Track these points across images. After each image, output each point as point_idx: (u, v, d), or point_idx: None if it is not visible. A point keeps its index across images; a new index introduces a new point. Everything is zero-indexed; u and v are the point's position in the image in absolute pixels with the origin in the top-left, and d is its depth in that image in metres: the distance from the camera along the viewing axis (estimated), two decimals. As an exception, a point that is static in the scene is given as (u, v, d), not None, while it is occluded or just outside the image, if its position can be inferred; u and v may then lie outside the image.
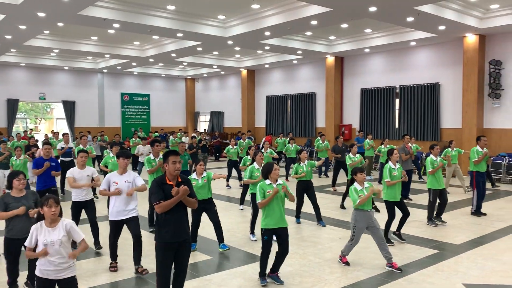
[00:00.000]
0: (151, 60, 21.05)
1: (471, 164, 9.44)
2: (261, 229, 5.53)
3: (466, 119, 15.39)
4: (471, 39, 15.10)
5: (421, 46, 17.07)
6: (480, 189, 9.37)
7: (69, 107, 24.75)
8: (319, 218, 8.75)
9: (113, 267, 6.10)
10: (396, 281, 5.65)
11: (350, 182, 6.29)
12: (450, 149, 11.77)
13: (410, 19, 12.89)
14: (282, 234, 5.52)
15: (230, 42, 16.47)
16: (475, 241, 7.49)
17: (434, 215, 8.67)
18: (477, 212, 9.40)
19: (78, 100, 25.07)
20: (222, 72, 26.29)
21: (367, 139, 14.88)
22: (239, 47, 17.98)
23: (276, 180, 5.57)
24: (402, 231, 7.59)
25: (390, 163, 7.40)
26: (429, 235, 7.87)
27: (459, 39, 15.57)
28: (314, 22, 13.37)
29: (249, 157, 10.09)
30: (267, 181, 5.55)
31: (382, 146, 13.57)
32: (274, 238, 5.53)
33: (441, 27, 13.96)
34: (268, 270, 5.62)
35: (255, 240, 7.52)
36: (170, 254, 4.49)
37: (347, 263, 6.27)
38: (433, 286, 5.46)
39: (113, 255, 6.15)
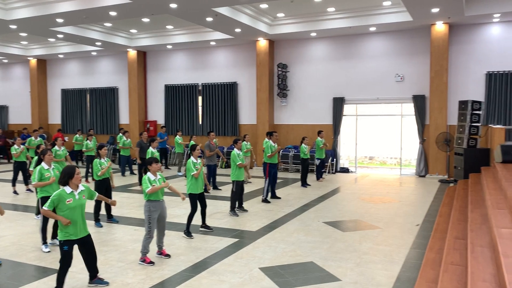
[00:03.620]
0: None
1: (265, 157, 10.45)
2: (59, 241, 4.96)
3: (259, 115, 16.94)
4: (262, 43, 16.65)
5: (221, 46, 18.02)
6: (271, 179, 10.46)
7: None
8: (109, 215, 8.63)
9: None
10: (200, 274, 5.77)
11: (144, 172, 6.34)
12: (245, 142, 12.76)
13: (209, 19, 13.42)
14: (86, 243, 5.14)
15: (13, 27, 14.30)
16: (269, 226, 8.26)
17: (236, 206, 9.26)
18: (266, 200, 10.41)
19: None
20: (5, 61, 22.74)
21: (178, 136, 14.90)
22: (25, 33, 15.79)
23: (78, 186, 5.07)
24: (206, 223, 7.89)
25: (192, 157, 7.68)
26: (230, 224, 8.34)
27: (253, 42, 17.00)
28: (113, 13, 12.68)
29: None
30: (67, 189, 4.96)
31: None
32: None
33: (237, 30, 14.97)
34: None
35: (49, 252, 6.70)
36: None
37: (151, 263, 6.12)
38: (233, 274, 5.77)
39: None
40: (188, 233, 7.52)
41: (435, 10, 12.34)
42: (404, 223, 8.45)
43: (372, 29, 14.89)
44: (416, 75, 14.92)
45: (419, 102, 14.79)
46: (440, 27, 13.98)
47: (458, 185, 10.84)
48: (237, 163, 8.95)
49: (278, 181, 11.75)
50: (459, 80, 14.33)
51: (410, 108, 15.20)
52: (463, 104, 12.92)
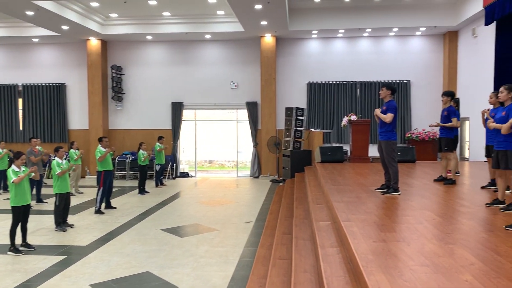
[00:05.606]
0: None
1: (98, 164, 9.79)
2: None
3: (92, 120, 15.85)
4: (94, 43, 15.63)
5: (46, 44, 16.33)
6: (106, 188, 9.87)
7: None
8: None
9: None
10: (18, 301, 5.07)
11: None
12: (73, 150, 11.82)
13: (29, 13, 12.01)
14: None
15: None
16: (102, 239, 7.73)
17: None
18: (99, 211, 9.75)
19: None
20: None
21: None
22: None
23: None
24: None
25: (13, 166, 6.97)
26: (57, 241, 7.57)
27: (83, 42, 15.83)
28: None
29: None
30: None
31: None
32: None
33: (65, 27, 13.75)
34: None
35: None
36: None
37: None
38: (59, 296, 5.22)
39: None
40: (15, 249, 6.80)
41: (263, 23, 13.30)
42: (239, 223, 8.85)
43: (208, 36, 15.31)
44: (249, 83, 15.85)
45: (252, 108, 15.74)
46: (268, 39, 15.14)
47: (286, 184, 11.84)
48: (56, 173, 8.14)
49: (114, 189, 11.14)
50: (285, 89, 15.72)
51: (244, 113, 16.06)
52: (288, 111, 14.19)
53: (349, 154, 12.34)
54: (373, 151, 12.57)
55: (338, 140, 15.42)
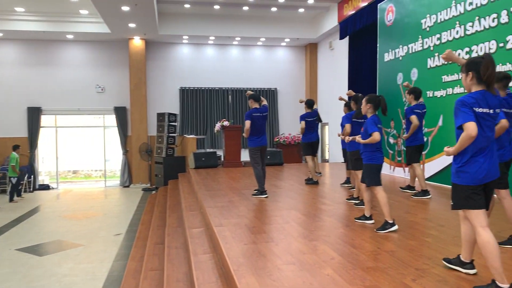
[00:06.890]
0: None
1: None
2: None
3: None
4: None
5: None
6: None
7: None
8: None
9: None
10: None
11: None
12: None
13: None
14: None
15: None
16: None
17: None
18: None
19: None
20: None
21: None
22: None
23: None
24: None
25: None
26: None
27: None
28: None
29: None
30: None
31: None
32: None
33: None
34: None
35: None
36: None
37: None
38: None
39: None
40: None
41: (131, 25, 12.80)
42: (108, 236, 8.33)
43: (70, 36, 14.20)
44: (117, 87, 15.11)
45: (121, 113, 15.03)
46: (137, 42, 14.63)
47: (159, 192, 11.54)
48: None
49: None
50: (157, 94, 15.35)
51: (112, 119, 15.24)
52: (160, 116, 13.88)
53: (222, 159, 12.52)
54: (245, 155, 12.94)
55: (212, 145, 15.56)
